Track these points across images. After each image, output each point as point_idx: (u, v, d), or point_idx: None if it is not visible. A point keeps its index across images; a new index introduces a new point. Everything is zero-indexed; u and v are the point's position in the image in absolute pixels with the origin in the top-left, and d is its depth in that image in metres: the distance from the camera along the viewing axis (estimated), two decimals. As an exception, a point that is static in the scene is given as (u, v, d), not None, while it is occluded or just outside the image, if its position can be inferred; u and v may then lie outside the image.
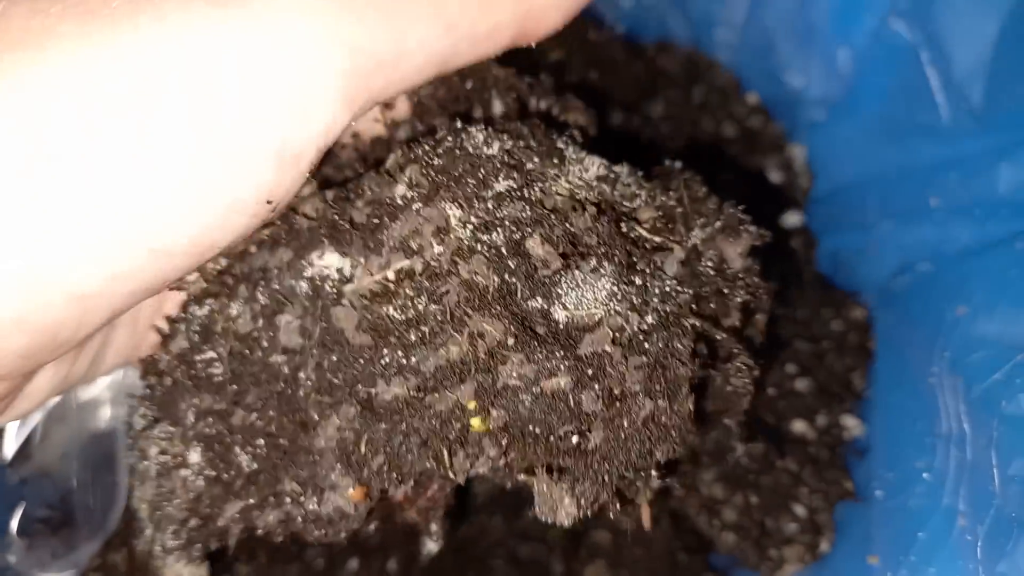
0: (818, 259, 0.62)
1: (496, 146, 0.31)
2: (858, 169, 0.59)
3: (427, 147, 0.32)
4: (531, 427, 0.29)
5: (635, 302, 0.30)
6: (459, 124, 0.33)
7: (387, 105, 0.37)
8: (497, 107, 0.37)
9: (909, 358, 0.46)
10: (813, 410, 0.50)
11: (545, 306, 0.30)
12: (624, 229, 0.32)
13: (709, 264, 0.34)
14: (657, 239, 0.33)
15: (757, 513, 0.46)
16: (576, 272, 0.30)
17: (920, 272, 0.50)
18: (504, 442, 0.30)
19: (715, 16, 0.63)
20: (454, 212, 0.30)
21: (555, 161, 0.32)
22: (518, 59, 0.36)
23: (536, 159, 0.32)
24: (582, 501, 0.30)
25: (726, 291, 0.34)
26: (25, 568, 0.48)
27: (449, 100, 0.37)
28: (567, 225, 0.30)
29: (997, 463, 0.35)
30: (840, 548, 0.46)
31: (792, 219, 0.64)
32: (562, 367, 0.29)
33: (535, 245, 0.30)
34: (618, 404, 0.29)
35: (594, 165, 0.33)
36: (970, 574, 0.35)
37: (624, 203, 0.33)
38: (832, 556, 0.46)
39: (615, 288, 0.30)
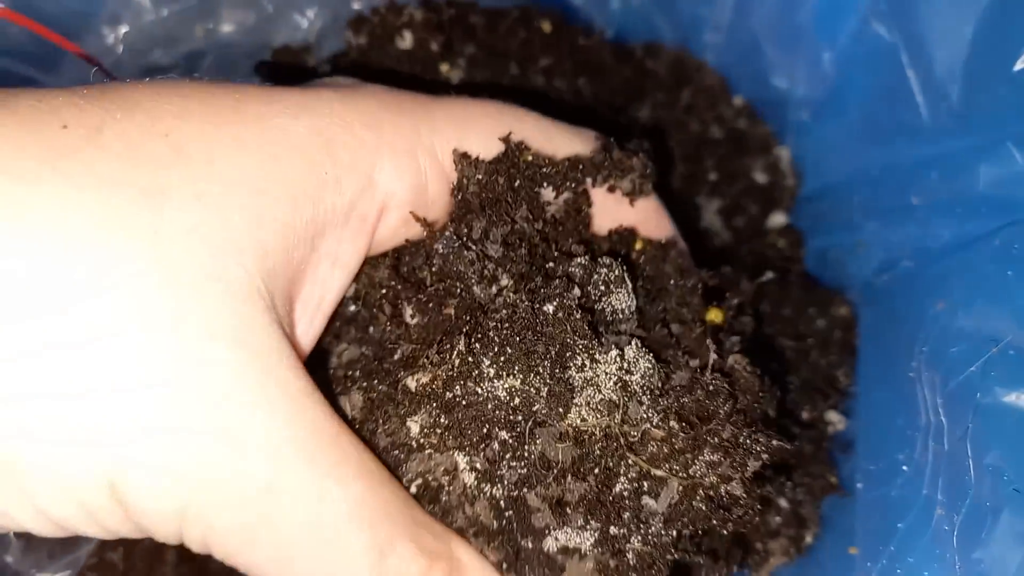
0: (805, 258, 0.63)
1: (504, 388, 0.34)
2: (843, 169, 0.60)
3: (441, 386, 0.35)
4: None
5: (615, 547, 0.35)
6: (467, 377, 0.34)
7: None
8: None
9: (891, 354, 0.46)
10: (797, 405, 0.51)
11: (538, 543, 0.35)
12: (619, 471, 0.35)
13: (710, 489, 0.35)
14: (657, 472, 0.35)
15: (743, 507, 0.46)
16: (565, 525, 0.35)
17: (903, 269, 0.51)
18: None
19: (702, 18, 0.64)
20: (461, 459, 0.34)
21: (563, 391, 0.34)
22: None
23: (543, 396, 0.34)
24: None
25: (716, 522, 0.36)
26: (23, 568, 0.49)
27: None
28: (562, 486, 0.34)
29: (972, 454, 0.36)
30: (825, 540, 0.46)
31: (779, 219, 0.65)
32: None
33: (531, 499, 0.34)
34: None
35: (613, 366, 0.35)
36: (947, 563, 0.36)
37: (631, 431, 0.35)
38: (817, 548, 0.46)
39: (599, 538, 0.35)
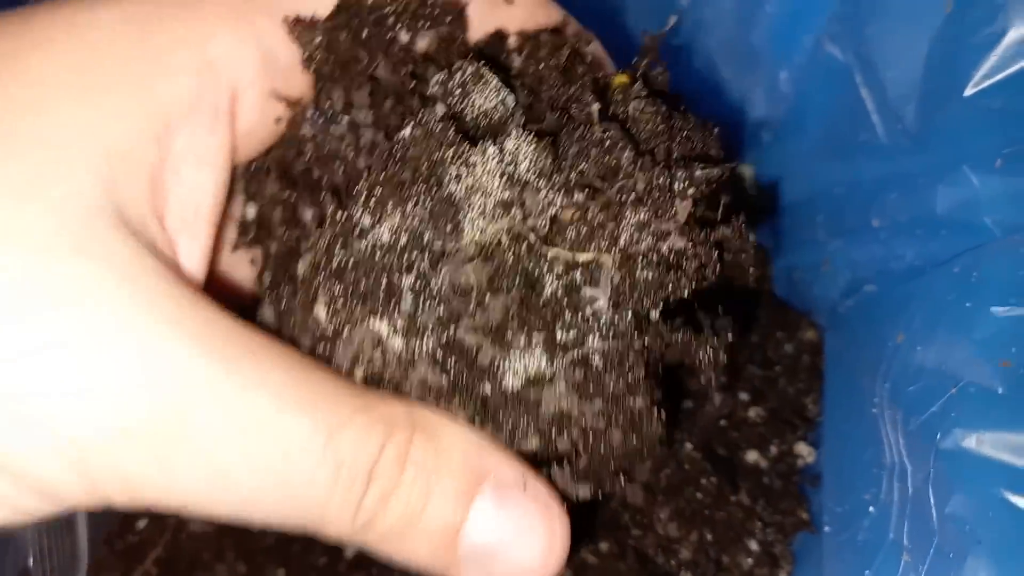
0: (773, 278, 0.62)
1: (386, 230, 0.31)
2: (806, 187, 0.59)
3: (323, 256, 0.32)
4: None
5: (575, 356, 0.32)
6: (340, 213, 0.32)
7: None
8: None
9: (855, 385, 0.45)
10: (766, 439, 0.50)
11: (496, 384, 0.32)
12: (541, 271, 0.32)
13: (650, 250, 0.32)
14: (583, 257, 0.32)
15: (713, 551, 0.45)
16: (511, 352, 0.32)
17: (866, 294, 0.50)
18: None
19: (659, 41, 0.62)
20: (380, 324, 0.31)
21: (445, 208, 0.31)
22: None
23: (429, 222, 0.31)
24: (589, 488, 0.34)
25: (671, 286, 0.33)
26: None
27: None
28: (488, 310, 0.31)
29: (934, 501, 0.35)
30: (798, 579, 0.45)
31: (746, 238, 0.64)
32: (529, 432, 0.33)
33: (465, 337, 0.32)
34: (591, 439, 0.33)
35: (492, 162, 0.32)
36: (914, 613, 0.35)
37: (539, 223, 0.32)
38: (790, 588, 0.45)
39: (551, 353, 0.32)
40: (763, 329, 0.56)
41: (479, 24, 0.39)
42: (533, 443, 0.33)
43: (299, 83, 0.35)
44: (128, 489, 0.28)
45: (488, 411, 0.32)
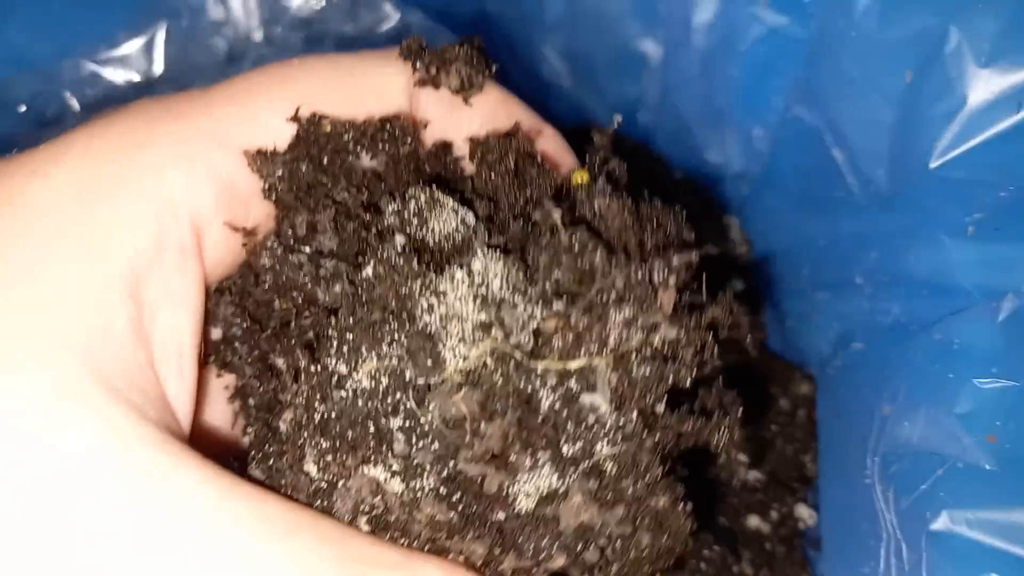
0: (766, 327, 0.62)
1: (364, 375, 0.31)
2: (790, 239, 0.59)
3: (303, 413, 0.32)
4: None
5: (586, 466, 0.32)
6: (314, 367, 0.32)
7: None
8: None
9: (848, 454, 0.46)
10: (766, 503, 0.50)
11: (509, 510, 0.31)
12: (534, 387, 0.32)
13: (643, 346, 0.32)
14: (575, 364, 0.31)
15: (719, 624, 0.46)
16: (518, 475, 0.31)
17: (854, 353, 0.50)
18: None
19: (632, 99, 0.63)
20: (375, 471, 0.31)
21: (422, 343, 0.31)
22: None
23: (407, 359, 0.31)
24: None
25: (671, 378, 0.33)
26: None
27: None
28: (484, 438, 0.31)
29: (930, 585, 0.35)
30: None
31: (736, 286, 0.64)
32: (554, 550, 0.32)
33: (467, 468, 0.31)
34: (619, 545, 0.32)
35: (463, 286, 0.32)
36: None
37: (522, 339, 0.31)
38: (799, 658, 0.46)
39: (561, 469, 0.31)
40: (757, 384, 0.56)
41: (439, 129, 0.39)
42: (560, 561, 0.32)
43: (261, 210, 0.35)
44: None
45: (506, 538, 0.32)
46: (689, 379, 0.33)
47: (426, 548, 0.32)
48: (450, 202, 0.35)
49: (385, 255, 0.32)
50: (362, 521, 0.31)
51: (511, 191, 0.37)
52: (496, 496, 0.31)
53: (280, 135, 0.35)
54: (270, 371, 0.35)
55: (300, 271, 0.34)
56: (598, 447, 0.32)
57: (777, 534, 0.49)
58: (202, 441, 0.36)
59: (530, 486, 0.31)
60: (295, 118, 0.34)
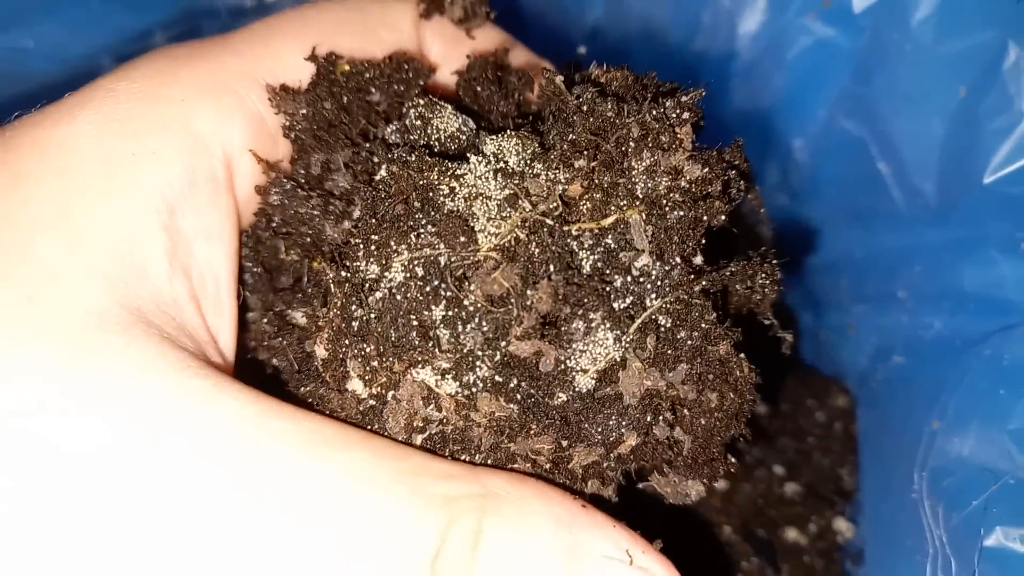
0: (799, 339, 0.62)
1: (398, 270, 0.29)
2: (828, 250, 0.59)
3: (341, 323, 0.30)
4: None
5: (640, 325, 0.29)
6: (343, 274, 0.30)
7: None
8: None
9: (893, 468, 0.45)
10: (804, 516, 0.50)
11: (570, 392, 0.29)
12: (572, 250, 0.30)
13: (671, 190, 0.31)
14: (608, 221, 0.30)
15: (758, 636, 0.45)
16: (573, 345, 0.29)
17: (896, 366, 0.50)
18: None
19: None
20: (425, 374, 0.29)
21: (453, 225, 0.29)
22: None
23: (440, 243, 0.29)
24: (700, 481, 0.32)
25: (705, 215, 0.31)
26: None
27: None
28: (534, 309, 0.29)
29: (982, 604, 0.35)
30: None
31: (769, 297, 0.64)
32: (623, 429, 0.30)
33: (520, 350, 0.29)
34: (688, 414, 0.30)
35: (481, 167, 0.31)
36: None
37: (550, 206, 0.30)
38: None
39: (617, 327, 0.29)
40: (793, 396, 0.56)
41: (443, 63, 0.39)
42: (631, 441, 0.30)
43: (288, 144, 0.35)
44: None
45: (571, 427, 0.30)
46: (723, 215, 0.32)
47: (489, 461, 0.30)
48: (448, 107, 0.34)
49: (395, 155, 0.32)
50: (418, 440, 0.29)
51: (498, 100, 0.38)
52: (554, 375, 0.29)
53: (302, 72, 0.35)
54: (289, 325, 0.34)
55: (308, 203, 0.34)
56: (648, 300, 0.30)
57: (815, 547, 0.49)
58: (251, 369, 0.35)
59: (586, 358, 0.29)
60: (312, 57, 0.35)
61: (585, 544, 0.28)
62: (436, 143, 0.33)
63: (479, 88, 0.38)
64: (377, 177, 0.31)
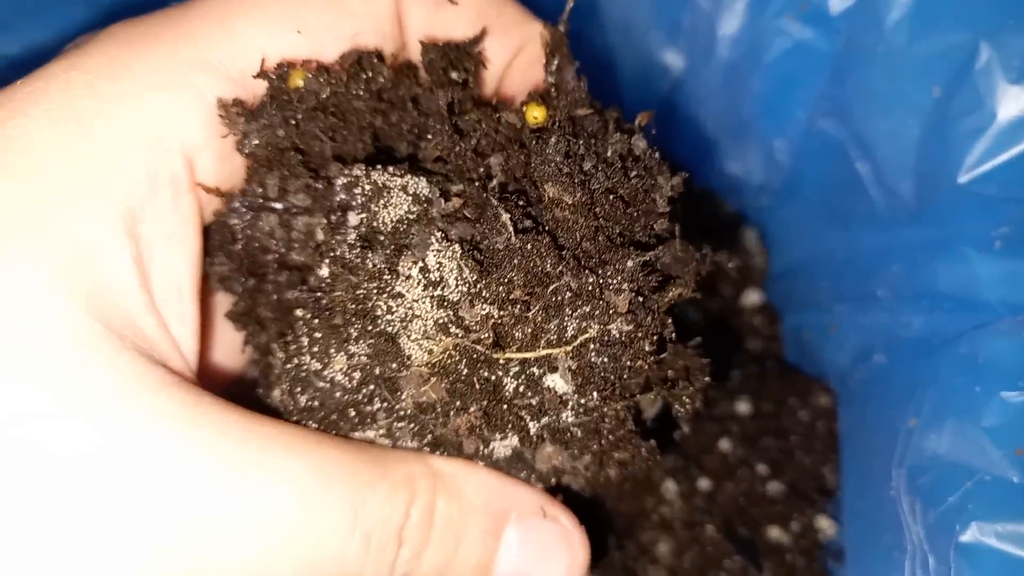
0: (783, 339, 0.63)
1: (338, 372, 0.32)
2: (808, 251, 0.59)
3: (289, 400, 0.33)
4: None
5: (555, 428, 0.34)
6: (290, 362, 0.33)
7: None
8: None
9: (871, 466, 0.46)
10: (786, 515, 0.50)
11: (488, 460, 0.35)
12: (497, 375, 0.33)
13: (602, 343, 0.32)
14: (535, 355, 0.32)
15: (742, 635, 0.46)
16: (492, 442, 0.34)
17: (876, 366, 0.50)
18: None
19: (652, 110, 0.63)
20: (366, 435, 0.33)
21: (386, 346, 0.32)
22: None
23: (374, 359, 0.32)
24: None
25: (629, 362, 0.33)
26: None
27: None
28: (456, 418, 0.33)
29: (958, 598, 0.35)
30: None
31: (752, 297, 0.65)
32: (531, 481, 0.36)
33: (444, 436, 0.34)
34: (587, 479, 0.37)
35: (418, 288, 0.31)
36: None
37: (482, 335, 0.31)
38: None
39: (529, 442, 0.34)
40: (775, 396, 0.56)
41: (426, 31, 0.37)
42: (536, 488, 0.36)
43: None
44: None
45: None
46: (646, 365, 0.34)
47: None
48: (397, 181, 0.33)
49: (338, 252, 0.31)
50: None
51: (462, 135, 0.35)
52: (474, 454, 0.34)
53: (263, 53, 0.33)
54: (257, 322, 0.35)
55: (272, 237, 0.34)
56: (564, 416, 0.34)
57: (798, 545, 0.49)
58: (210, 370, 0.37)
59: (504, 444, 0.34)
60: (262, 73, 0.33)
61: (511, 504, 0.34)
62: (382, 224, 0.32)
63: (445, 124, 0.36)
64: (320, 272, 0.32)
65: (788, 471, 0.52)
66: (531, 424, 0.34)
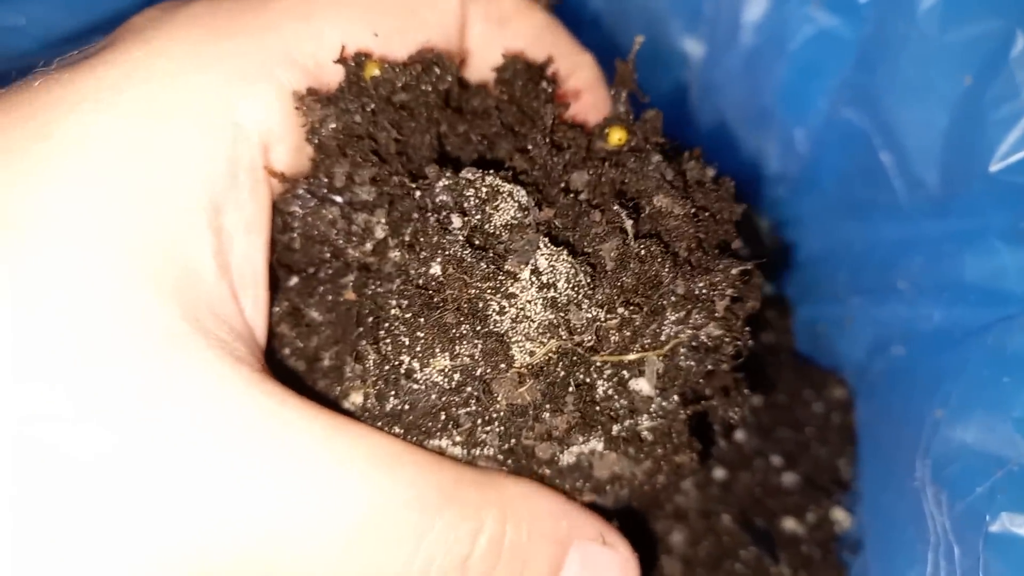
0: (796, 331, 0.62)
1: (437, 372, 0.31)
2: (825, 242, 0.59)
3: (375, 403, 0.32)
4: None
5: (628, 435, 0.34)
6: (385, 365, 0.32)
7: None
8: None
9: (893, 458, 0.45)
10: (802, 506, 0.50)
11: (553, 468, 0.35)
12: (591, 377, 0.33)
13: (691, 349, 0.34)
14: (630, 357, 0.33)
15: (757, 625, 0.45)
16: (572, 447, 0.34)
17: (895, 358, 0.50)
18: None
19: (669, 97, 0.63)
20: (440, 443, 0.33)
21: (494, 346, 0.31)
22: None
23: (480, 359, 0.31)
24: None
25: (711, 367, 0.35)
26: None
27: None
28: (545, 422, 0.33)
29: (987, 588, 0.35)
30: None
31: (764, 289, 0.64)
32: (584, 490, 0.36)
33: (526, 443, 0.33)
34: (637, 484, 0.36)
35: (532, 289, 0.31)
36: None
37: (584, 338, 0.32)
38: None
39: (610, 445, 0.34)
40: (790, 388, 0.56)
41: (485, 46, 0.38)
42: (587, 498, 0.36)
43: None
44: None
45: (545, 482, 0.35)
46: (728, 366, 0.35)
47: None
48: (507, 188, 0.33)
49: (451, 252, 0.31)
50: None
51: (549, 157, 0.36)
52: (546, 460, 0.34)
53: (332, 54, 0.34)
54: (304, 321, 0.34)
55: (333, 227, 0.34)
56: (641, 421, 0.34)
57: (813, 537, 0.49)
58: None
59: (575, 450, 0.34)
60: (341, 60, 0.33)
61: (574, 531, 0.34)
62: (490, 226, 0.33)
63: (517, 92, 0.38)
64: (431, 271, 0.32)
65: (803, 463, 0.52)
66: (614, 427, 0.34)
